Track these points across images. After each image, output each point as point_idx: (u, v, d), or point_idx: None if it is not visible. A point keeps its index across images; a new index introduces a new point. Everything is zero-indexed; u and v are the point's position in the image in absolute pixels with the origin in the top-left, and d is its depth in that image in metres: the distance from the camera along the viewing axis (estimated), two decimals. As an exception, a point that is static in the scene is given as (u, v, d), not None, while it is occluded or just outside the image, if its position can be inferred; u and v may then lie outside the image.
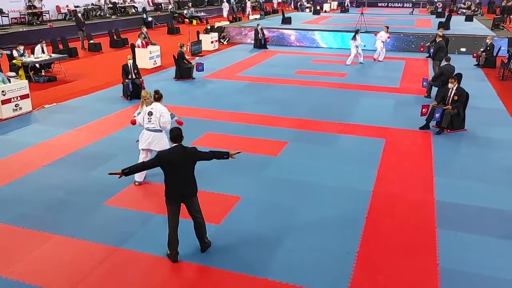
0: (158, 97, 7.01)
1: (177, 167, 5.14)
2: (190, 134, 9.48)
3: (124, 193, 7.00)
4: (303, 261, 5.34)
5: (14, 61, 13.99)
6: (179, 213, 5.30)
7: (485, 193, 7.06)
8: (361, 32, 18.81)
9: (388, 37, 17.68)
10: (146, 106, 7.32)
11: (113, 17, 28.00)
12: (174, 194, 5.20)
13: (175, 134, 5.22)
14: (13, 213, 6.35)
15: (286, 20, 25.42)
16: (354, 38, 17.00)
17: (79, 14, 20.88)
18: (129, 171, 5.14)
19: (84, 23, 21.09)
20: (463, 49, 19.28)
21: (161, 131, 6.99)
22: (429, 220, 6.27)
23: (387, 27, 17.94)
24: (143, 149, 7.16)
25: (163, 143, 6.95)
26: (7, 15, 22.45)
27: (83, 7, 26.72)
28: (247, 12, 34.82)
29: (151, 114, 6.90)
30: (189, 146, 5.31)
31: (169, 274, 5.12)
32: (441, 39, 14.70)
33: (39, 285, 4.88)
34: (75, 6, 26.44)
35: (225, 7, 31.66)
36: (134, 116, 7.42)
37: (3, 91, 10.47)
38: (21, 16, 23.54)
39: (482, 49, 17.54)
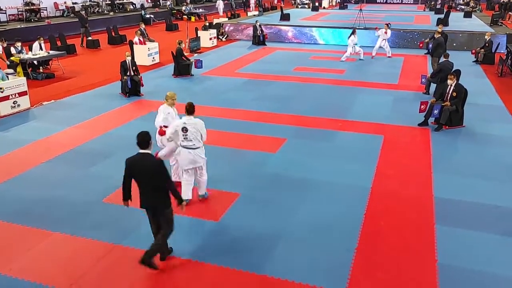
0: (192, 110, 6.18)
1: (142, 176, 4.86)
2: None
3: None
4: (302, 258, 5.35)
5: (12, 58, 13.94)
6: (154, 221, 5.08)
7: (483, 189, 7.08)
8: (359, 29, 18.83)
9: (385, 32, 17.64)
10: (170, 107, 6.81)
11: (111, 13, 27.92)
12: (142, 202, 4.98)
13: (142, 139, 4.80)
14: (12, 210, 6.35)
15: (285, 17, 25.37)
16: (351, 35, 17.03)
17: (82, 12, 20.78)
18: (125, 194, 5.03)
19: (87, 20, 21.05)
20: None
21: (199, 147, 6.29)
22: (428, 216, 6.28)
23: (387, 24, 17.95)
24: (186, 170, 6.40)
25: (203, 157, 6.40)
26: (4, 11, 22.36)
27: (81, 4, 26.64)
28: (251, 8, 34.64)
29: (187, 130, 6.13)
30: (158, 159, 5.01)
31: (168, 270, 5.13)
32: (439, 35, 14.69)
33: (38, 282, 4.89)
34: (73, 3, 26.36)
35: (219, 4, 31.49)
36: (161, 127, 6.75)
37: (1, 88, 10.44)
38: (19, 12, 23.46)
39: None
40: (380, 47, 17.68)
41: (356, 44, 17.01)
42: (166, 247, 5.26)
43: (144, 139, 4.80)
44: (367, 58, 17.32)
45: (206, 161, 6.49)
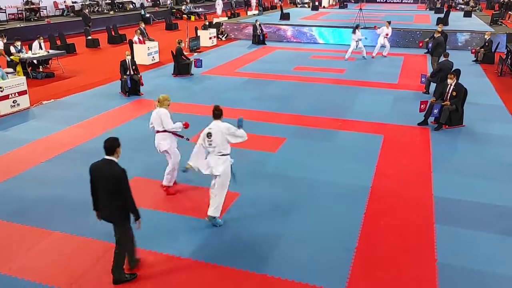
0: (218, 114, 5.79)
1: (101, 183, 4.62)
2: (189, 131, 9.47)
3: (122, 189, 6.98)
4: (302, 257, 5.35)
5: (11, 57, 13.93)
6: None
7: (483, 189, 7.08)
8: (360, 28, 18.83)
9: (387, 35, 17.66)
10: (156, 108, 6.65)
11: (111, 13, 27.91)
12: (99, 212, 4.80)
13: (110, 145, 4.58)
14: (12, 209, 6.35)
15: (285, 16, 25.36)
16: (354, 32, 17.02)
17: (86, 10, 20.72)
18: (94, 203, 4.85)
19: (91, 19, 21.02)
20: None
21: (228, 154, 5.86)
22: (427, 215, 6.28)
23: (389, 22, 17.96)
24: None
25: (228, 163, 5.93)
26: (4, 11, 22.33)
27: (81, 3, 26.62)
28: (252, 7, 34.55)
29: (211, 136, 5.73)
30: (121, 167, 4.59)
31: (168, 270, 5.13)
32: (439, 35, 14.68)
33: (38, 281, 4.88)
34: (72, 2, 26.35)
35: (219, 4, 31.46)
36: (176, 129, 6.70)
37: (0, 87, 10.43)
38: (19, 12, 23.43)
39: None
40: (382, 46, 17.71)
41: (359, 40, 17.00)
42: (133, 257, 4.99)
43: (112, 145, 4.57)
44: (368, 57, 17.32)
45: (227, 177, 5.88)
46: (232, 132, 5.73)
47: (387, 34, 17.67)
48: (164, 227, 6.01)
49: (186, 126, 6.78)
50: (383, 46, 17.79)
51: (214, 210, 5.89)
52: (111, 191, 4.55)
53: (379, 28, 18.10)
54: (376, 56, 17.61)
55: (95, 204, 4.85)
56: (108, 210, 4.70)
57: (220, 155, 5.77)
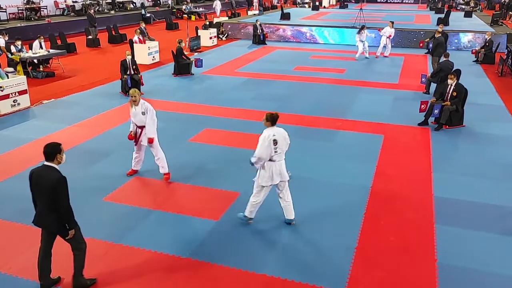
0: (276, 119, 5.62)
1: (38, 189, 4.45)
2: (189, 130, 9.50)
3: (123, 189, 6.99)
4: (302, 257, 5.35)
5: (12, 56, 13.94)
6: (47, 240, 4.67)
7: (483, 189, 7.08)
8: (359, 28, 18.87)
9: (390, 36, 17.73)
10: (133, 106, 6.89)
11: (111, 12, 27.91)
12: (34, 218, 4.61)
13: (50, 151, 4.41)
14: (12, 209, 6.35)
15: (285, 16, 25.36)
16: (359, 33, 17.09)
17: (91, 11, 20.68)
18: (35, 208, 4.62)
19: (96, 19, 21.02)
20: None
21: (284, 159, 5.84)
22: (428, 215, 6.28)
23: (392, 23, 18.00)
24: (267, 186, 5.82)
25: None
26: (4, 10, 22.36)
27: (82, 2, 26.62)
28: (254, 7, 34.50)
29: (277, 142, 5.58)
30: (60, 175, 4.43)
31: (167, 269, 5.12)
32: (440, 35, 14.68)
33: (37, 281, 4.88)
34: (73, 1, 26.35)
35: (217, 5, 31.41)
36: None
37: (1, 87, 10.44)
38: (19, 11, 23.46)
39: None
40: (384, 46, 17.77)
41: (364, 41, 17.16)
42: (45, 275, 4.77)
43: (53, 150, 4.41)
44: (370, 57, 17.35)
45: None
46: (288, 136, 5.80)
47: (389, 36, 17.73)
48: (163, 226, 6.00)
49: (129, 137, 7.16)
50: (385, 46, 17.81)
51: (291, 212, 6.01)
52: (49, 198, 4.36)
53: (382, 29, 18.13)
54: (379, 56, 17.65)
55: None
56: (44, 216, 4.49)
57: (283, 160, 5.79)
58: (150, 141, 6.96)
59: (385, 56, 17.75)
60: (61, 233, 4.57)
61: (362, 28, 17.28)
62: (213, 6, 31.97)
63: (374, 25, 20.14)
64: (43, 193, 4.40)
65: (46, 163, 4.45)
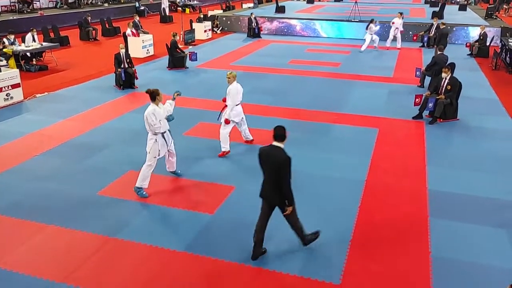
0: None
1: (263, 166, 4.95)
2: (184, 124, 9.47)
3: (118, 182, 6.97)
4: (297, 251, 5.36)
5: (4, 49, 13.80)
6: (266, 212, 5.04)
7: (477, 182, 7.13)
8: (354, 22, 18.92)
9: (397, 28, 17.92)
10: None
11: (105, 5, 27.66)
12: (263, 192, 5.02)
13: (280, 133, 4.86)
14: (6, 203, 6.32)
15: (280, 9, 25.26)
16: (367, 28, 17.42)
17: (88, 18, 20.30)
18: None
19: (90, 22, 20.74)
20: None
21: None
22: (422, 209, 6.32)
23: (401, 13, 18.16)
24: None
25: None
26: (-4, 3, 22.14)
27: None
28: None
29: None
30: (286, 156, 4.76)
31: (163, 263, 5.13)
32: (444, 26, 14.77)
33: (33, 275, 4.87)
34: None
35: None
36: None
37: (-7, 80, 10.35)
38: (11, 4, 23.20)
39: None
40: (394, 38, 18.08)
41: (373, 34, 17.41)
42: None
43: (281, 133, 4.83)
44: (367, 50, 17.40)
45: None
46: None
47: (397, 28, 17.86)
48: (160, 220, 6.01)
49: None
50: (395, 38, 18.09)
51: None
52: (274, 176, 4.80)
53: (393, 23, 18.21)
54: (379, 49, 17.77)
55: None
56: (269, 191, 4.94)
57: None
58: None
59: (398, 49, 17.86)
60: (281, 207, 4.98)
61: (371, 21, 17.39)
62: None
63: (370, 18, 20.09)
64: (271, 170, 4.83)
65: (274, 143, 4.88)
